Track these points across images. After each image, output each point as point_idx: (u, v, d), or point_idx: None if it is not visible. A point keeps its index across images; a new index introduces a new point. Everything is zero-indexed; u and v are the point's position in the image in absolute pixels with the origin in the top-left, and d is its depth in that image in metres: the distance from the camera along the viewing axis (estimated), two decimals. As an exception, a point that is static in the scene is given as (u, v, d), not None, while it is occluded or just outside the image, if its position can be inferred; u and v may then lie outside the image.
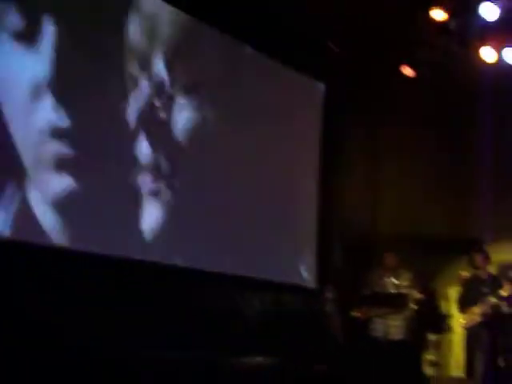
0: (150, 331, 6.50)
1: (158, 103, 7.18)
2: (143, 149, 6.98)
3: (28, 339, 5.44)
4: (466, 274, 9.34)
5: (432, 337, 9.27)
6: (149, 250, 7.02)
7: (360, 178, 9.85)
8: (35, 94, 6.02)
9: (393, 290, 8.05)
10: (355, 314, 8.10)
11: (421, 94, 9.83)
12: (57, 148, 6.16)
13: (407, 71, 9.51)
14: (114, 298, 6.36)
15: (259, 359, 7.46)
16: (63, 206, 6.18)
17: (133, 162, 6.92)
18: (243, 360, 7.30)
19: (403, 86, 9.56)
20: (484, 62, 8.99)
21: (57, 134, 6.16)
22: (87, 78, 6.41)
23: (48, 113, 6.11)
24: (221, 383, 6.77)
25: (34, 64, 6.03)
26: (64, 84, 6.25)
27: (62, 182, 6.18)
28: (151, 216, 7.06)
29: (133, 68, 6.97)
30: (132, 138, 6.93)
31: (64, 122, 6.21)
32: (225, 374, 6.92)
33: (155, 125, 7.16)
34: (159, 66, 7.24)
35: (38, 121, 6.05)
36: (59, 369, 5.51)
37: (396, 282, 8.09)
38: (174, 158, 7.32)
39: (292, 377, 7.38)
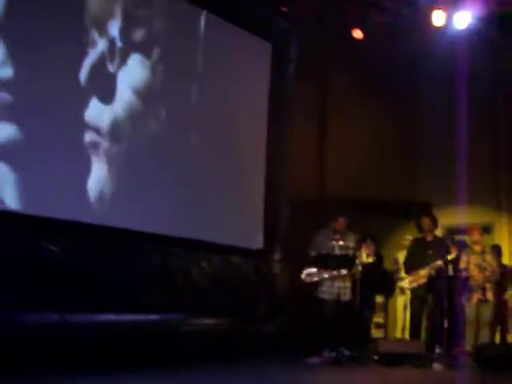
0: (96, 294, 6.37)
1: (109, 62, 7.02)
2: (92, 107, 6.82)
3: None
4: (411, 237, 9.47)
5: (379, 299, 9.38)
6: (96, 211, 6.85)
7: (308, 140, 9.81)
8: None
9: (340, 253, 8.06)
10: (303, 275, 8.09)
11: (369, 57, 9.83)
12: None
13: (357, 34, 9.49)
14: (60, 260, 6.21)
15: (208, 320, 7.43)
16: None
17: (81, 119, 6.76)
18: (192, 321, 7.25)
19: (352, 50, 9.55)
20: (434, 26, 9.03)
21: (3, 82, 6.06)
22: (40, 30, 6.35)
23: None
24: (170, 344, 6.71)
25: None
26: (16, 33, 6.15)
27: (5, 132, 6.06)
28: (98, 176, 6.89)
29: (87, 26, 6.87)
30: (82, 95, 6.79)
31: (11, 71, 6.09)
32: (174, 335, 6.87)
33: (105, 83, 7.01)
34: (113, 26, 7.10)
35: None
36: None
37: (343, 244, 8.10)
38: (123, 117, 7.16)
39: (241, 337, 7.37)
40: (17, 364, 5.09)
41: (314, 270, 7.94)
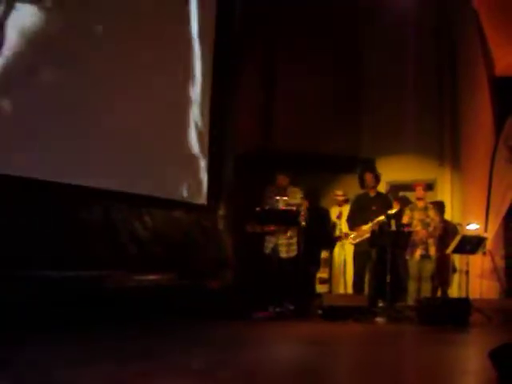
0: (36, 250, 6.16)
1: None
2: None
3: None
4: (340, 193, 9.52)
5: (324, 254, 9.42)
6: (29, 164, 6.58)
7: (254, 94, 9.69)
8: None
9: (284, 207, 8.01)
10: (248, 229, 8.04)
11: (318, 10, 9.71)
12: None
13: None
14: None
15: (152, 277, 7.30)
16: None
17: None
18: (136, 278, 7.12)
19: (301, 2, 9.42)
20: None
21: None
22: None
23: None
24: (114, 300, 6.56)
25: None
26: None
27: None
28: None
29: None
30: None
31: None
32: (117, 292, 6.72)
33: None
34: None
35: None
36: None
37: (287, 199, 8.05)
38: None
39: (185, 293, 7.28)
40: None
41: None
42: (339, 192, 9.56)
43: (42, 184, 6.50)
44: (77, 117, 6.87)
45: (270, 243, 8.13)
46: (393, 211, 8.13)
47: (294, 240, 8.03)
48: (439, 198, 10.16)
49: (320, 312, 7.60)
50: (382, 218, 8.18)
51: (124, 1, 7.54)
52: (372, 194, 8.69)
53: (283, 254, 8.05)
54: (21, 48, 6.38)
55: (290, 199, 8.11)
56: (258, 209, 7.94)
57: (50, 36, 6.67)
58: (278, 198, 8.06)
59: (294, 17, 9.74)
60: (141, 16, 7.65)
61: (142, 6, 7.69)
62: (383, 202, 8.60)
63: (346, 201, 9.46)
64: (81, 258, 6.46)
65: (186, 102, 8.51)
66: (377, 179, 8.78)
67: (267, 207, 8.02)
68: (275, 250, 8.06)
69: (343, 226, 9.14)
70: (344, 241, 9.11)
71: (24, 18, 6.42)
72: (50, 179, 6.56)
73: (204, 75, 8.79)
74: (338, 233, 9.25)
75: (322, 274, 9.41)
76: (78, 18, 7.02)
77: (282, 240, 8.09)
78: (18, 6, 6.35)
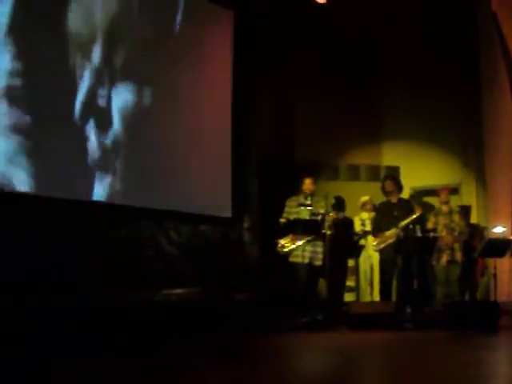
0: (67, 268, 6.33)
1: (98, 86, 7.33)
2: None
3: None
4: (365, 198, 9.52)
5: (350, 262, 9.41)
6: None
7: (275, 106, 9.74)
8: None
9: (308, 217, 8.04)
10: (277, 244, 8.06)
11: (331, 23, 9.77)
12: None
13: (318, -1, 9.38)
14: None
15: (180, 291, 7.40)
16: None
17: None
18: (164, 292, 7.23)
19: (314, 16, 9.45)
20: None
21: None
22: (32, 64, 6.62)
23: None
24: (143, 316, 6.67)
25: None
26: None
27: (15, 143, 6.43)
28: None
29: (74, 55, 7.12)
30: (78, 123, 7.08)
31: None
32: (145, 307, 6.83)
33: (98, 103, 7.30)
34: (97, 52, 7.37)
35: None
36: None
37: (311, 208, 8.08)
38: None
39: (213, 306, 7.36)
40: None
41: (287, 240, 7.93)
42: (365, 198, 9.56)
43: (71, 202, 6.73)
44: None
45: (296, 252, 8.16)
46: (414, 216, 8.13)
47: (320, 249, 8.05)
48: (464, 202, 10.12)
49: (348, 321, 7.62)
50: (404, 222, 8.18)
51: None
52: (394, 200, 8.68)
53: (310, 263, 8.06)
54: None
55: (315, 208, 8.14)
56: (282, 220, 8.00)
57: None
58: (302, 206, 8.10)
59: (306, 30, 9.81)
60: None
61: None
62: (405, 207, 8.59)
63: (372, 207, 9.45)
64: (109, 273, 6.59)
65: (207, 117, 8.69)
66: (398, 186, 8.77)
67: (292, 217, 8.07)
68: (302, 258, 8.08)
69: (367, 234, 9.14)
70: (368, 248, 9.10)
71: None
72: (74, 197, 6.80)
73: (223, 91, 8.97)
74: (363, 241, 9.25)
75: (349, 282, 9.40)
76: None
77: (309, 249, 8.10)
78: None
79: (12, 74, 6.43)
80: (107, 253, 6.73)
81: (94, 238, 6.67)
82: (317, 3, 9.37)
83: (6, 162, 6.37)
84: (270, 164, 9.36)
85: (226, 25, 9.15)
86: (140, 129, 7.76)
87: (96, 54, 7.36)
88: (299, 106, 10.41)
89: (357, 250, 9.22)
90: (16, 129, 6.46)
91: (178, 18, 8.44)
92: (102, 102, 7.38)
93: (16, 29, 6.47)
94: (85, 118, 7.14)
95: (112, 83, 7.50)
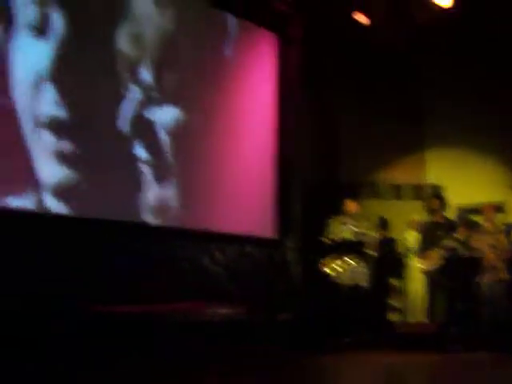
0: (114, 286, 6.49)
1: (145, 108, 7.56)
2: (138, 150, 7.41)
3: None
4: (418, 218, 9.46)
5: (394, 282, 9.39)
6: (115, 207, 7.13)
7: (318, 126, 9.81)
8: (38, 85, 6.49)
9: (352, 238, 8.07)
10: (321, 265, 8.10)
11: (375, 42, 9.79)
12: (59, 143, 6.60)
13: (361, 18, 9.42)
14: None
15: (224, 310, 7.47)
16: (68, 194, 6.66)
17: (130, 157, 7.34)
18: (209, 311, 7.31)
19: (357, 35, 9.50)
20: (439, 7, 8.95)
21: (56, 128, 6.57)
22: (85, 78, 6.90)
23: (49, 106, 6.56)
24: (188, 334, 6.77)
25: (40, 55, 6.54)
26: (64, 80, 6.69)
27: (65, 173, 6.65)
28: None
29: (123, 73, 7.36)
30: (125, 141, 7.33)
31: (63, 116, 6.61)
32: (190, 326, 6.92)
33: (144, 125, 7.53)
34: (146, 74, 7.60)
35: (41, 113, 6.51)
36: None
37: (355, 228, 8.11)
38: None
39: (258, 326, 7.41)
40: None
41: (331, 261, 7.97)
42: (416, 216, 9.50)
43: (120, 224, 6.92)
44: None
45: (339, 273, 8.17)
46: (459, 236, 8.08)
47: (364, 269, 8.06)
48: (510, 219, 10.01)
49: (393, 341, 7.60)
50: (448, 242, 8.13)
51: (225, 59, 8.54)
52: (438, 219, 8.64)
53: (354, 283, 8.07)
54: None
55: (358, 228, 8.16)
56: (325, 240, 8.05)
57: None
58: (346, 227, 8.14)
59: (347, 51, 9.87)
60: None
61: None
62: (449, 226, 8.54)
63: (417, 227, 9.41)
64: (154, 292, 6.72)
65: (251, 139, 8.82)
66: (442, 204, 8.73)
67: (337, 238, 8.10)
68: (346, 279, 8.09)
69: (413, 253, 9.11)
70: (413, 267, 9.07)
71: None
72: (122, 219, 6.98)
73: (267, 114, 9.10)
74: (408, 260, 9.23)
75: (394, 302, 9.37)
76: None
77: (353, 269, 8.12)
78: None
79: (62, 96, 6.63)
80: (153, 272, 6.87)
81: (140, 258, 6.81)
82: (360, 23, 9.43)
83: (55, 185, 6.57)
84: (313, 185, 9.43)
85: (270, 47, 9.30)
86: (186, 150, 7.95)
87: (145, 75, 7.56)
88: (341, 126, 10.46)
89: (401, 270, 9.20)
90: (66, 152, 6.66)
91: (225, 40, 8.65)
92: (149, 124, 7.57)
93: (66, 48, 6.71)
94: (132, 138, 7.36)
95: (160, 104, 7.70)
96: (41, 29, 6.57)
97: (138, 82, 7.48)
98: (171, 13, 8.00)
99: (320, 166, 9.74)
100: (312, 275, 8.35)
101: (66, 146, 6.67)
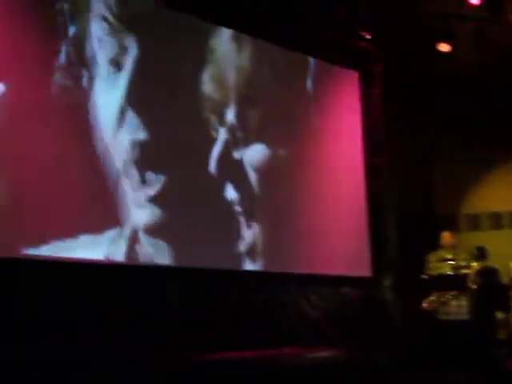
0: (218, 331, 6.60)
1: (233, 148, 7.73)
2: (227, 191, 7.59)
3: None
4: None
5: (500, 315, 9.05)
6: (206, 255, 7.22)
7: (409, 159, 9.68)
8: (124, 128, 6.76)
9: (451, 272, 7.89)
10: (421, 302, 7.95)
11: (458, 68, 9.63)
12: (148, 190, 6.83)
13: (443, 47, 9.30)
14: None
15: (323, 353, 7.43)
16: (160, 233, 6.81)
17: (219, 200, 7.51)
18: (307, 355, 7.28)
19: (440, 63, 9.36)
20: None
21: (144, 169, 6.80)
22: (172, 120, 7.13)
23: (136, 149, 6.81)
24: (287, 379, 6.76)
25: (120, 89, 6.76)
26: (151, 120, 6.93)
27: (156, 214, 6.83)
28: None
29: (207, 115, 7.58)
30: (215, 183, 7.52)
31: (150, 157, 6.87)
32: (290, 370, 6.91)
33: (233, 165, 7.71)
34: (230, 113, 7.79)
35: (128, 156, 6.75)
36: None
37: (453, 262, 7.93)
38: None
39: (358, 367, 7.31)
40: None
41: (431, 297, 7.82)
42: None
43: (218, 273, 7.03)
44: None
45: (441, 308, 7.99)
46: None
47: (466, 303, 7.84)
48: None
49: (502, 377, 7.32)
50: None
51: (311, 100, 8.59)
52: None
53: (456, 318, 7.86)
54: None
55: (457, 262, 7.97)
56: (424, 276, 7.90)
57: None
58: (444, 261, 7.97)
59: (433, 80, 9.74)
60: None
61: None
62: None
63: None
64: (252, 339, 6.76)
65: (340, 180, 8.81)
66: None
67: (434, 273, 7.94)
68: (448, 314, 7.90)
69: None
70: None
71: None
72: (223, 267, 7.09)
73: (354, 151, 9.08)
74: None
75: (500, 335, 9.01)
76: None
77: (454, 304, 7.92)
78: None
79: (148, 138, 6.87)
80: (249, 318, 6.93)
81: (235, 305, 6.89)
82: (443, 52, 9.31)
83: (146, 227, 6.78)
84: (408, 219, 9.27)
85: (351, 84, 9.34)
86: (275, 190, 8.06)
87: (230, 115, 7.75)
88: (432, 157, 10.29)
89: (506, 302, 8.86)
90: (155, 196, 6.88)
91: (308, 80, 8.77)
92: (238, 164, 7.74)
93: (151, 93, 6.98)
94: (222, 180, 7.52)
95: (246, 144, 7.86)
96: (118, 64, 6.80)
97: (223, 122, 7.65)
98: (250, 52, 8.16)
99: (413, 199, 9.57)
100: (412, 313, 8.20)
101: (155, 189, 6.87)
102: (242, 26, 7.94)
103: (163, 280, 6.68)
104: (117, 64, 6.75)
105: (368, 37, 9.17)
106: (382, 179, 9.20)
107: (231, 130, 7.69)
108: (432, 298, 7.84)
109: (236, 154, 7.70)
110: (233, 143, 7.68)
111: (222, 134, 7.59)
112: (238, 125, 7.77)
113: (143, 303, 6.32)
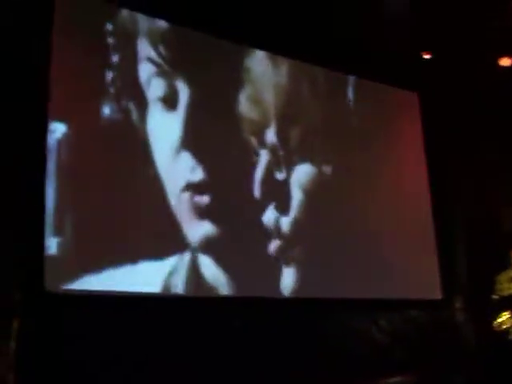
0: (284, 363, 6.64)
1: (275, 169, 7.63)
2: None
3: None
4: None
5: None
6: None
7: (474, 179, 9.54)
8: (176, 153, 6.83)
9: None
10: (494, 325, 7.82)
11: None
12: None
13: (505, 62, 9.15)
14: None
15: (396, 379, 7.39)
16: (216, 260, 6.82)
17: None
18: (379, 381, 7.26)
19: (503, 80, 9.22)
20: None
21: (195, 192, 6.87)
22: (216, 144, 7.15)
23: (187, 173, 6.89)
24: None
25: (173, 126, 6.89)
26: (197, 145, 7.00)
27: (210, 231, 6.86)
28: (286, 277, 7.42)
29: (249, 137, 7.54)
30: (258, 206, 7.40)
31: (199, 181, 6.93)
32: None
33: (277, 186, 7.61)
34: (271, 134, 7.71)
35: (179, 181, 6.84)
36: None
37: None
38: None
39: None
40: None
41: (504, 318, 7.67)
42: None
43: (279, 302, 7.08)
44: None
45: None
46: None
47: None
48: None
49: None
50: None
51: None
52: None
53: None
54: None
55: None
56: (495, 296, 7.76)
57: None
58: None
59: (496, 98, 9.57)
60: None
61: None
62: None
63: None
64: (319, 368, 6.79)
65: (408, 202, 8.73)
66: None
67: (505, 293, 7.80)
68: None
69: None
70: None
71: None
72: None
73: (418, 171, 9.00)
74: None
75: None
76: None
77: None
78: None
79: (197, 162, 6.94)
80: (311, 348, 6.94)
81: (293, 334, 6.91)
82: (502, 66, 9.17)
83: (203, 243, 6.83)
84: (477, 239, 9.11)
85: (412, 106, 9.27)
86: (327, 210, 7.92)
87: (270, 136, 7.69)
88: (498, 175, 10.09)
89: None
90: (208, 211, 6.91)
91: (347, 91, 8.67)
92: (279, 184, 7.62)
93: (195, 117, 7.04)
94: (264, 202, 7.42)
95: (289, 164, 7.75)
96: (170, 101, 6.93)
97: (264, 143, 7.60)
98: (287, 69, 8.12)
99: (483, 220, 9.38)
100: (484, 335, 8.05)
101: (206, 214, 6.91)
102: (279, 48, 7.92)
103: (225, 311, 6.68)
104: (168, 103, 6.93)
105: (426, 56, 9.10)
106: (449, 196, 9.09)
107: (272, 151, 7.62)
108: (503, 318, 7.69)
109: (279, 175, 7.63)
110: (275, 164, 7.60)
111: (264, 156, 7.54)
112: (280, 144, 7.70)
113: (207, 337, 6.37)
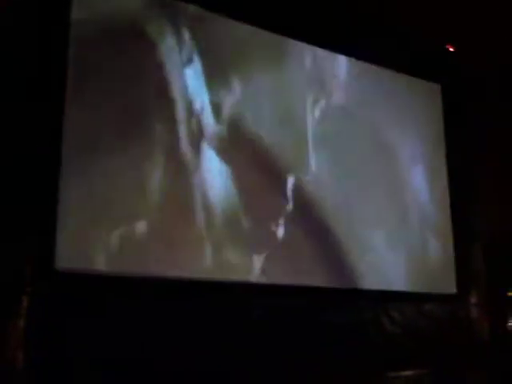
0: (293, 353, 6.59)
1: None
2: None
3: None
4: None
5: None
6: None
7: (493, 175, 9.42)
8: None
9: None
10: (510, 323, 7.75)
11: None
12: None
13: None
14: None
15: (408, 373, 7.32)
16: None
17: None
18: (390, 374, 7.20)
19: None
20: None
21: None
22: None
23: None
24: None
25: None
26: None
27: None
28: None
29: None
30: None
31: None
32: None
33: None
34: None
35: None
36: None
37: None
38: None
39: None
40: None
41: None
42: None
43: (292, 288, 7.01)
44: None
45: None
46: None
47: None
48: None
49: None
50: None
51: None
52: None
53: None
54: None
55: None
56: (510, 294, 7.67)
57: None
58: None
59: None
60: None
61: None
62: None
63: None
64: (333, 358, 6.72)
65: (426, 197, 8.64)
66: None
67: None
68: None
69: None
70: None
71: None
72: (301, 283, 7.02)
73: (435, 165, 8.90)
74: None
75: None
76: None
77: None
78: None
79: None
80: (328, 338, 6.87)
81: (312, 323, 6.84)
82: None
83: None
84: (494, 235, 9.01)
85: (433, 99, 9.14)
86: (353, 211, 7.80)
87: None
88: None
89: None
90: None
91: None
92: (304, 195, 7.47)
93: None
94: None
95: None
96: None
97: None
98: None
99: (502, 216, 9.28)
100: (499, 332, 7.97)
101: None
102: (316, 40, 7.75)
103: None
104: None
105: (451, 49, 8.99)
106: (467, 191, 8.97)
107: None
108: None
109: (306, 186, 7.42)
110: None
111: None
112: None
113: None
